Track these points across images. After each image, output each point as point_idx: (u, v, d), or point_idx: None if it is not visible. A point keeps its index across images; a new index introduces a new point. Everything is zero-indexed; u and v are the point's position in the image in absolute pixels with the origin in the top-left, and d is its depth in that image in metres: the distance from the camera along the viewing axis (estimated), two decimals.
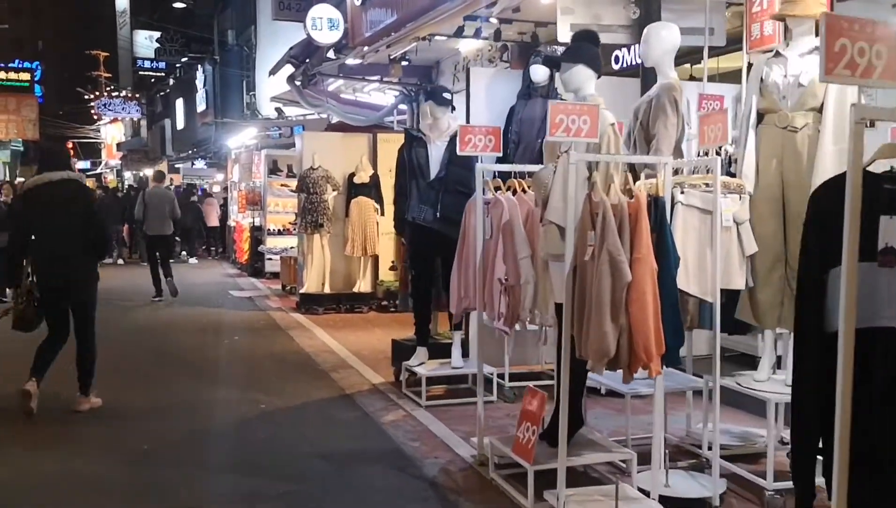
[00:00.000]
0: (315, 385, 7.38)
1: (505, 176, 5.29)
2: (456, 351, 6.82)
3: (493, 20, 10.29)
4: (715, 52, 8.15)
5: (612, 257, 3.74)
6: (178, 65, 40.34)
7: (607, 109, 4.41)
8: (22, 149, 41.10)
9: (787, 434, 5.21)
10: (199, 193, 27.30)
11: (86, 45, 48.37)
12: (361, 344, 9.32)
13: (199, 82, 37.02)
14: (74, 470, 5.22)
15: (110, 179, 45.21)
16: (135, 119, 47.87)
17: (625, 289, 3.73)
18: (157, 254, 13.86)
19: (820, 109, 4.47)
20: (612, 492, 4.09)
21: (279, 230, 16.89)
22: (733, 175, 4.70)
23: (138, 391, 7.21)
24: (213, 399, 6.96)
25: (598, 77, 4.61)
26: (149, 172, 32.04)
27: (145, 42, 41.86)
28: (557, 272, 4.59)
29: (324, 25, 12.42)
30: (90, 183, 36.47)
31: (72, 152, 47.36)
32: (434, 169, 6.75)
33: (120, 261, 21.13)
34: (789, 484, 4.57)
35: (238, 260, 19.39)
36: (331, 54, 14.66)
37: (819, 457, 2.96)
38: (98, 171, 49.02)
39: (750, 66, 6.97)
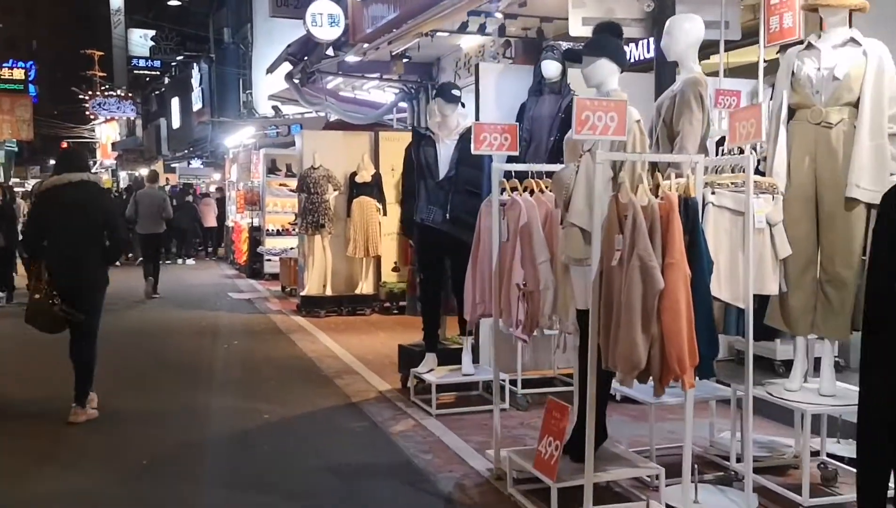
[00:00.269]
0: (319, 393, 7.14)
1: (521, 176, 5.05)
2: (466, 357, 6.59)
3: (498, 15, 10.06)
4: (726, 46, 7.91)
5: (643, 262, 3.51)
6: (173, 63, 40.03)
7: (631, 106, 4.17)
8: (16, 149, 40.76)
9: (816, 444, 5.01)
10: (198, 193, 26.95)
11: (80, 45, 48.03)
12: (365, 349, 9.08)
13: (195, 81, 36.75)
14: (70, 487, 4.98)
15: (105, 179, 44.86)
16: (130, 119, 47.55)
17: (657, 296, 3.50)
18: (150, 251, 14.02)
19: (856, 104, 4.25)
20: None
21: (278, 231, 16.66)
22: (761, 174, 4.48)
23: (136, 398, 6.96)
24: (213, 408, 6.72)
25: (622, 71, 4.38)
26: (144, 172, 31.80)
27: (140, 41, 41.54)
28: (579, 277, 4.36)
29: (324, 21, 12.19)
30: None
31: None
32: (443, 168, 6.50)
33: (117, 263, 20.87)
34: (827, 500, 4.41)
35: (236, 261, 19.16)
36: (330, 51, 14.45)
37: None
38: (93, 171, 48.59)
39: (767, 61, 6.83)
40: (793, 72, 4.43)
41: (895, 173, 4.21)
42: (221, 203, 23.20)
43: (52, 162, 53.23)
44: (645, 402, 4.69)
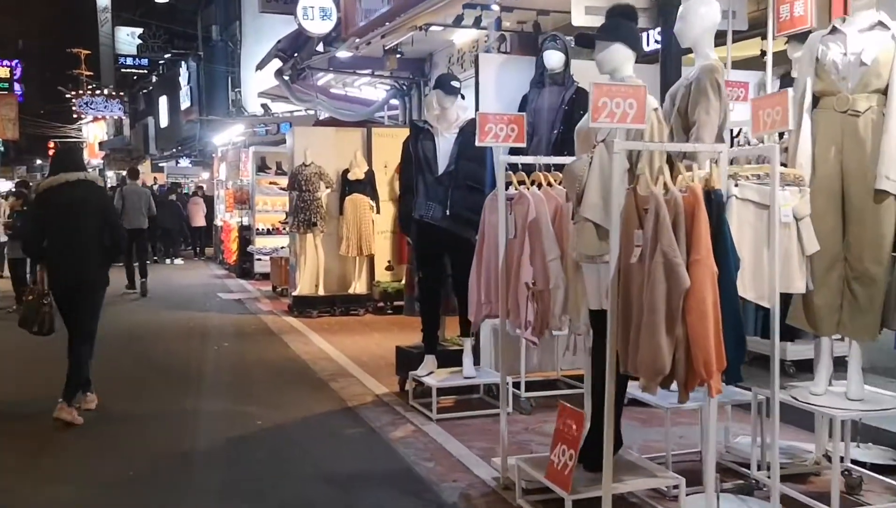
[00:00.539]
0: (314, 397, 6.88)
1: (525, 169, 4.80)
2: (467, 359, 6.33)
3: (495, 7, 9.83)
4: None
5: (667, 259, 3.26)
6: (161, 62, 39.72)
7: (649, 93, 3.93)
8: (1, 149, 40.30)
9: (832, 448, 4.78)
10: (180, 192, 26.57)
11: (67, 43, 47.60)
12: (360, 350, 8.81)
13: (183, 79, 36.42)
14: (51, 497, 4.73)
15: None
16: (117, 118, 47.14)
17: (682, 296, 3.25)
18: (134, 246, 13.84)
19: (885, 91, 4.02)
20: None
21: (268, 230, 16.39)
22: (783, 165, 4.24)
23: (123, 403, 6.67)
24: (204, 414, 6.44)
25: (637, 58, 4.13)
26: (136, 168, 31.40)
27: (127, 39, 41.20)
28: (592, 275, 4.13)
29: (315, 15, 11.92)
30: None
31: (52, 152, 46.77)
32: (442, 163, 6.24)
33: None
34: None
35: (226, 261, 18.87)
36: (321, 47, 14.18)
37: None
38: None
39: (767, 52, 6.59)
40: (817, 57, 4.19)
41: None
42: (207, 202, 22.95)
43: (39, 162, 52.77)
44: (659, 406, 4.44)
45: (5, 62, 39.15)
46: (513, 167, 4.67)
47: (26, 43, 57.97)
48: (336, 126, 12.90)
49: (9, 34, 54.94)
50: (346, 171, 11.37)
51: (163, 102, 40.69)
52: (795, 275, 3.90)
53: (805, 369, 5.69)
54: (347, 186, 11.35)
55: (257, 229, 16.30)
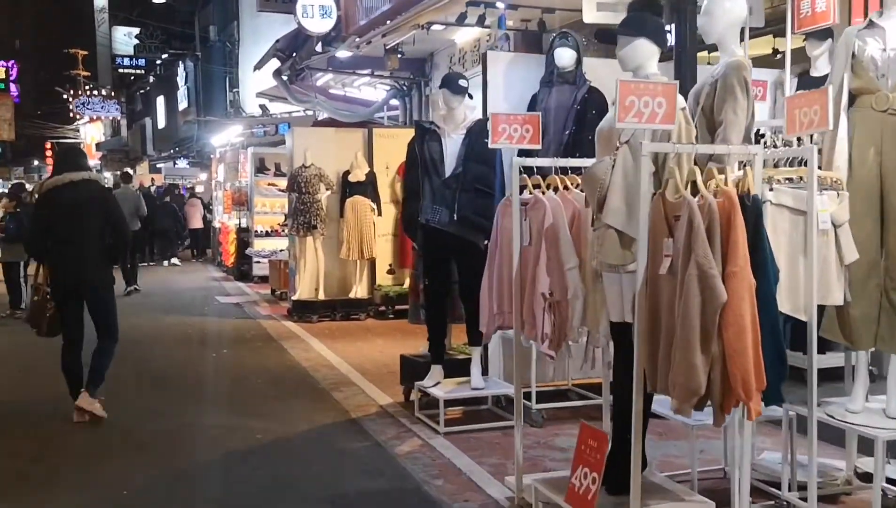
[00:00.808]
0: (316, 408, 6.62)
1: (540, 172, 4.55)
2: (475, 370, 6.08)
3: (500, 5, 9.58)
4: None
5: (702, 271, 3.01)
6: (158, 62, 39.41)
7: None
8: None
9: (861, 464, 4.54)
10: (184, 192, 26.27)
11: (64, 44, 47.25)
12: (363, 357, 8.56)
13: (181, 80, 36.14)
14: None
15: None
16: (115, 118, 46.82)
17: (718, 311, 3.00)
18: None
19: None
20: None
21: (267, 232, 16.14)
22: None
23: (117, 415, 6.39)
24: (202, 426, 6.18)
25: (662, 54, 3.89)
26: (130, 172, 31.16)
27: (125, 39, 40.88)
28: (613, 286, 3.88)
29: (315, 13, 11.65)
30: None
31: (49, 153, 46.51)
32: (450, 165, 5.97)
33: None
34: None
35: (223, 263, 18.61)
36: (319, 47, 13.93)
37: None
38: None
39: (785, 50, 6.36)
40: (853, 53, 3.94)
41: None
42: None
43: (36, 163, 52.48)
44: (685, 423, 4.19)
45: (1, 62, 38.82)
46: (527, 170, 4.41)
47: (23, 43, 57.64)
48: (336, 127, 12.64)
49: (5, 34, 54.64)
50: (347, 172, 11.13)
51: (160, 102, 40.41)
52: (833, 285, 3.65)
53: (827, 378, 5.45)
54: (348, 187, 11.10)
55: (256, 232, 16.05)
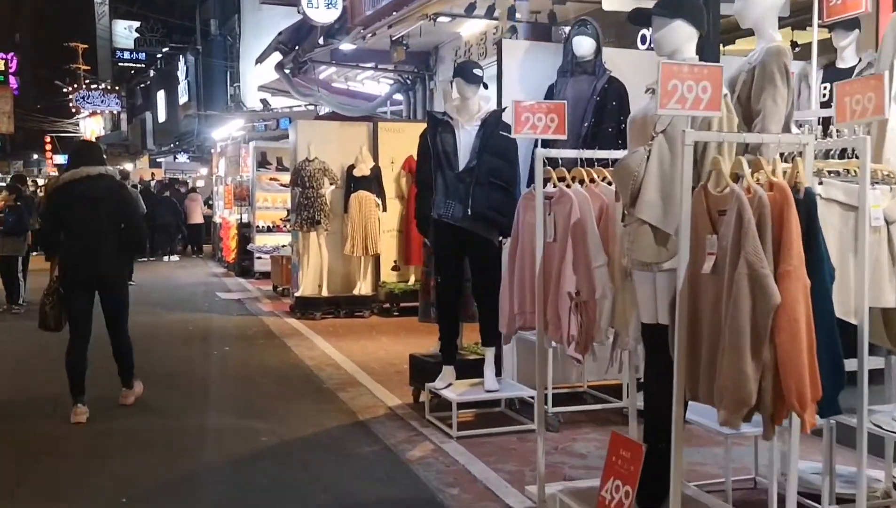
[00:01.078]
0: (322, 409, 6.38)
1: (555, 164, 4.30)
2: (489, 371, 5.83)
3: None
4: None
5: (753, 270, 2.76)
6: (158, 56, 39.21)
7: None
8: None
9: None
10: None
11: (64, 37, 46.98)
12: (368, 356, 8.32)
13: (181, 74, 35.93)
14: None
15: None
16: (114, 112, 46.58)
17: (771, 314, 2.76)
18: None
19: None
20: None
21: (269, 227, 15.88)
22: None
23: (116, 418, 6.17)
24: (205, 429, 5.95)
25: (700, 37, 3.64)
26: (129, 166, 30.94)
27: (125, 32, 40.72)
28: (645, 285, 3.64)
29: (320, 3, 11.39)
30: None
31: (49, 147, 46.27)
32: (463, 158, 5.70)
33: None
34: None
35: (224, 259, 18.36)
36: (323, 40, 13.67)
37: None
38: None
39: (799, 44, 6.11)
40: None
41: None
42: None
43: (35, 156, 52.27)
44: (720, 433, 3.94)
45: (0, 54, 38.50)
46: (550, 162, 4.17)
47: (23, 36, 57.36)
48: (341, 120, 12.39)
49: (5, 27, 54.35)
50: (352, 167, 10.88)
51: (160, 96, 40.17)
52: (885, 286, 3.41)
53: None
54: (353, 182, 10.85)
55: (257, 227, 15.79)
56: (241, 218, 16.76)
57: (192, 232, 22.85)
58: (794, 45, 8.04)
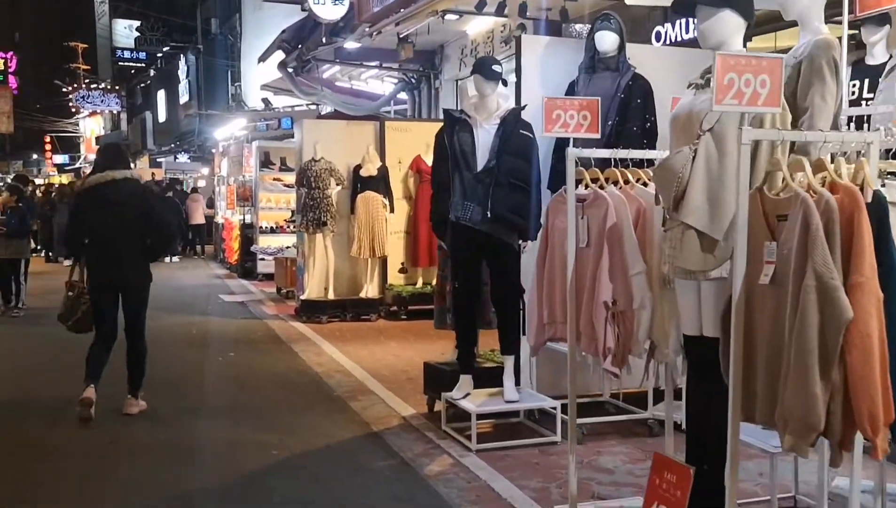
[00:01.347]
0: (333, 419, 6.13)
1: (586, 165, 4.06)
2: (509, 381, 5.58)
3: None
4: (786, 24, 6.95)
5: (822, 282, 2.52)
6: (159, 55, 38.95)
7: None
8: None
9: None
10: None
11: (64, 37, 46.75)
12: (378, 362, 8.07)
13: (182, 73, 35.65)
14: None
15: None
16: (115, 112, 46.32)
17: (842, 330, 2.51)
18: None
19: None
20: None
21: (272, 228, 15.64)
22: None
23: (118, 429, 5.92)
24: (211, 441, 5.70)
25: (749, 28, 3.40)
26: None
27: (125, 31, 40.43)
28: (688, 294, 3.41)
29: None
30: (67, 179, 35.14)
31: (48, 146, 46.05)
32: (482, 158, 5.45)
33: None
34: None
35: (227, 260, 18.11)
36: (327, 38, 13.45)
37: None
38: (77, 166, 47.46)
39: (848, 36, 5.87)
40: None
41: None
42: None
43: (35, 156, 52.03)
44: (763, 451, 3.71)
45: (0, 54, 38.21)
46: (585, 162, 3.92)
47: (23, 36, 57.13)
48: (347, 120, 12.13)
49: (5, 27, 54.11)
50: (358, 167, 10.63)
51: (161, 96, 39.88)
52: None
53: None
54: (359, 183, 10.61)
55: (261, 228, 15.55)
56: (243, 219, 16.52)
57: (193, 233, 22.61)
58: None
